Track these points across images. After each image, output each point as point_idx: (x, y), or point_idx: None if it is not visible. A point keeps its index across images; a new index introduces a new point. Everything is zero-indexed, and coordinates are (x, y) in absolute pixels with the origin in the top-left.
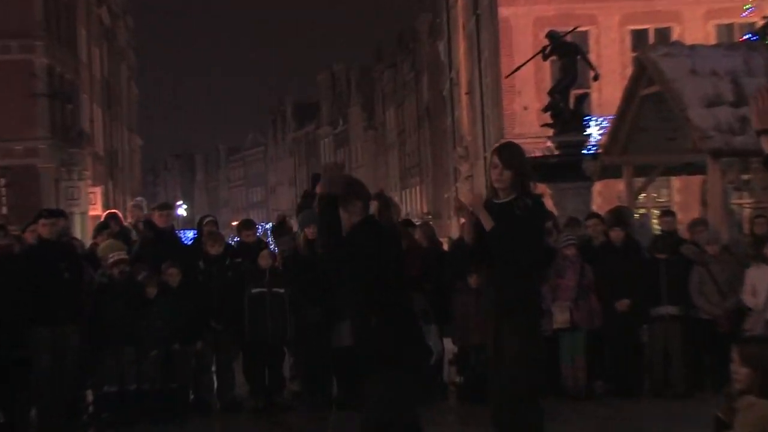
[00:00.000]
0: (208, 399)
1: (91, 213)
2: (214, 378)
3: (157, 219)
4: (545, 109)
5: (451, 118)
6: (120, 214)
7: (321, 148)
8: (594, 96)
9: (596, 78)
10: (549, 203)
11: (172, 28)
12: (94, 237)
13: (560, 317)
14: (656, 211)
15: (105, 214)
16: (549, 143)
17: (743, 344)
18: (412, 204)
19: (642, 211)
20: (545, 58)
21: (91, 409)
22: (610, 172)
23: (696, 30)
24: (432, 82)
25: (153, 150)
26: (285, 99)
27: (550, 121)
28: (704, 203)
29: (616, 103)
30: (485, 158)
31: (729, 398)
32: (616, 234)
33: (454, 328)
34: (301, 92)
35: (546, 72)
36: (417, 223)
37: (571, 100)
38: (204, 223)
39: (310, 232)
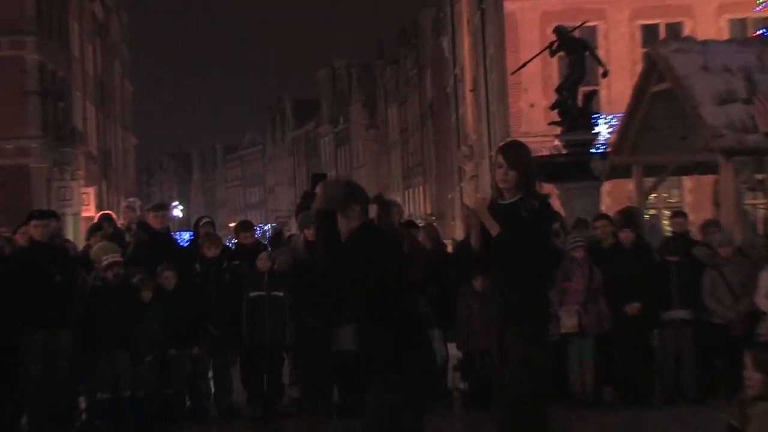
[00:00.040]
0: (205, 406)
1: (84, 214)
2: (211, 384)
3: (152, 220)
4: (552, 107)
5: (455, 116)
6: (114, 215)
7: (321, 147)
8: (603, 93)
9: (605, 74)
10: (556, 204)
11: (167, 23)
12: (87, 239)
13: (568, 322)
14: (667, 212)
15: (98, 215)
16: (556, 142)
17: (757, 349)
18: (415, 205)
19: (652, 211)
20: (552, 54)
21: (84, 416)
22: (620, 171)
23: (708, 25)
24: (435, 78)
25: (148, 149)
26: (284, 96)
27: (557, 119)
28: (717, 204)
29: (625, 100)
30: (490, 157)
31: (742, 405)
32: (626, 235)
33: (459, 332)
34: (300, 90)
35: (553, 68)
36: (420, 225)
37: (580, 98)
38: (200, 224)
39: (310, 233)
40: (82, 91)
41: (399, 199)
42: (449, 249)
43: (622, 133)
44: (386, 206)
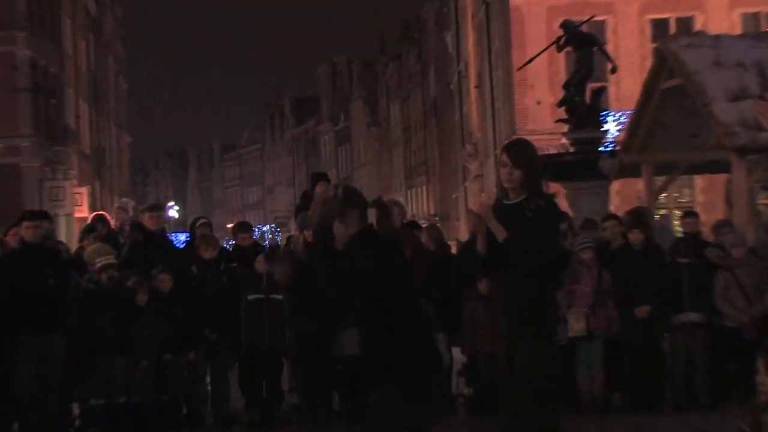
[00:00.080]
0: (202, 412)
1: (77, 215)
2: (208, 390)
3: (147, 221)
4: (560, 104)
5: (459, 113)
6: (108, 216)
7: (321, 146)
8: (611, 90)
9: (614, 70)
10: (564, 204)
11: (162, 18)
12: (81, 240)
13: (576, 325)
14: (678, 212)
15: (92, 216)
16: (564, 140)
17: None
18: (418, 205)
19: (663, 212)
20: (560, 49)
21: (77, 423)
22: (629, 170)
23: (720, 19)
24: (439, 75)
25: (143, 148)
26: (283, 94)
27: (564, 116)
28: (729, 203)
29: (634, 97)
30: (495, 156)
31: (755, 411)
32: (636, 236)
33: (463, 336)
34: (300, 87)
35: (560, 64)
36: (423, 225)
37: (588, 94)
38: (197, 225)
39: (310, 235)
40: (74, 88)
41: (401, 199)
42: (453, 250)
43: (632, 130)
44: (385, 210)
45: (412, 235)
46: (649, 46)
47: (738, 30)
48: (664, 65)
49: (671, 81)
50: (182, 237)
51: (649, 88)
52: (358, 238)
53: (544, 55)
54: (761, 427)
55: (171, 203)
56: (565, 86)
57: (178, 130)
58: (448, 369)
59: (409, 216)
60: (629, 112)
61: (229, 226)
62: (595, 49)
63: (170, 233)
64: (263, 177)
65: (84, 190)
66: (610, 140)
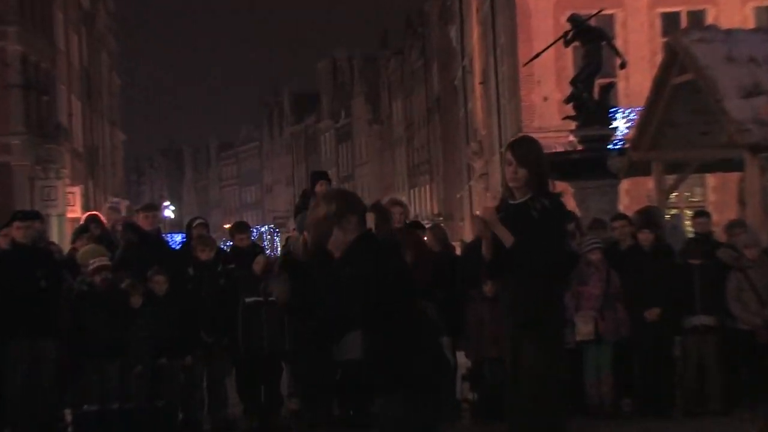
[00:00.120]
0: (199, 418)
1: (70, 215)
2: (205, 395)
3: (142, 221)
4: (567, 100)
5: (463, 110)
6: (101, 216)
7: (321, 144)
8: (620, 85)
9: (623, 66)
10: (571, 203)
11: (157, 12)
12: (73, 241)
13: (584, 328)
14: (689, 212)
15: (85, 216)
16: (571, 137)
17: None
18: (421, 204)
19: (674, 211)
20: (567, 44)
21: (69, 429)
22: (639, 169)
23: (732, 13)
24: (443, 70)
25: (137, 146)
26: (282, 90)
27: (572, 113)
28: (742, 203)
29: (644, 93)
30: (501, 154)
31: None
32: (646, 237)
33: (468, 340)
34: (299, 83)
35: (568, 59)
36: (427, 226)
37: (596, 90)
38: (193, 225)
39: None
40: (67, 84)
41: (404, 199)
42: (458, 251)
43: (641, 127)
44: (384, 214)
45: (415, 236)
46: (660, 41)
47: (751, 24)
48: (674, 60)
49: (682, 77)
50: (178, 238)
51: (659, 84)
52: (357, 244)
53: (551, 50)
54: None
55: (166, 203)
56: (573, 82)
57: (173, 127)
58: (453, 373)
59: (412, 216)
60: (639, 108)
61: (227, 226)
62: (603, 43)
63: (166, 234)
64: (261, 176)
65: (77, 190)
66: (619, 138)
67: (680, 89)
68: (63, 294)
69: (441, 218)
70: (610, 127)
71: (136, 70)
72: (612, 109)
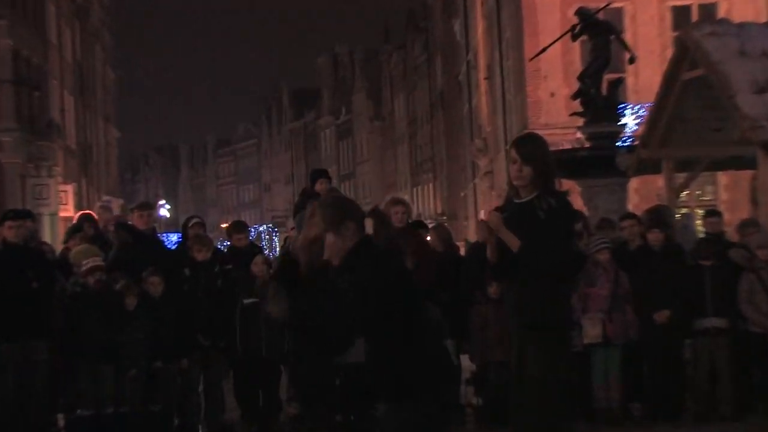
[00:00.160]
0: (195, 423)
1: (62, 214)
2: (202, 400)
3: (137, 220)
4: (574, 96)
5: (467, 106)
6: (95, 216)
7: (321, 141)
8: (630, 81)
9: (632, 61)
10: (579, 202)
11: (152, 6)
12: (66, 241)
13: (592, 331)
14: (700, 211)
15: (78, 215)
16: (579, 134)
17: None
18: (424, 203)
19: (684, 210)
20: (574, 38)
21: None
22: (648, 166)
23: (745, 6)
24: (446, 65)
25: (132, 143)
26: (281, 86)
27: (580, 109)
28: (754, 201)
29: (654, 88)
30: (506, 151)
31: None
32: (655, 237)
33: (472, 343)
34: (299, 78)
35: (575, 54)
36: (430, 225)
37: (604, 86)
38: (190, 225)
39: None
40: (59, 79)
41: (406, 198)
42: (462, 251)
43: (651, 124)
44: (382, 219)
45: (417, 236)
46: (670, 35)
47: (764, 17)
48: (685, 55)
49: (693, 72)
50: (174, 237)
51: (669, 79)
52: (356, 252)
53: (559, 44)
54: None
55: (162, 202)
56: (581, 77)
57: (169, 124)
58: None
59: (414, 215)
60: (648, 104)
61: (224, 225)
62: (612, 37)
63: (161, 233)
64: (260, 174)
65: (69, 188)
66: (628, 135)
67: (691, 85)
68: (55, 295)
69: (444, 218)
70: (619, 123)
71: (127, 64)
72: (621, 105)
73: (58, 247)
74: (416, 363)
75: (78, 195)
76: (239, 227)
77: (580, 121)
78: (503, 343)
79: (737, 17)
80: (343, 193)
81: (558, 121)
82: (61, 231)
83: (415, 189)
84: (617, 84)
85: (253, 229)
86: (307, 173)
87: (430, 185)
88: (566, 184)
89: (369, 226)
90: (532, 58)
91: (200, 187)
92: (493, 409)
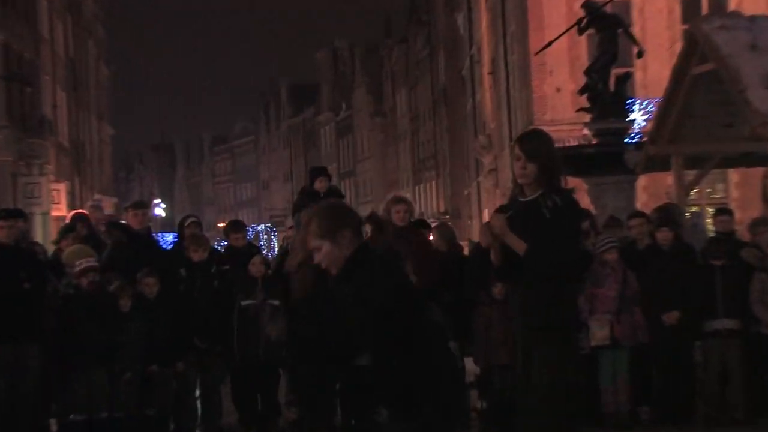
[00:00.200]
0: (191, 428)
1: (55, 213)
2: (198, 404)
3: (132, 220)
4: (581, 91)
5: (471, 102)
6: (88, 215)
7: (321, 138)
8: (638, 76)
9: (640, 55)
10: (586, 200)
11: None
12: (59, 241)
13: (599, 333)
14: (711, 209)
15: (71, 214)
16: (585, 131)
17: None
18: (426, 202)
19: (694, 209)
20: (581, 32)
21: None
22: (657, 163)
23: None
24: (449, 60)
25: (126, 141)
26: (279, 81)
27: (586, 104)
28: (766, 200)
29: (663, 83)
30: (511, 148)
31: None
32: (664, 236)
33: (476, 345)
34: (297, 73)
35: (582, 48)
36: (433, 224)
37: (612, 81)
38: (186, 224)
39: None
40: (51, 75)
41: (409, 196)
42: (465, 251)
43: (660, 120)
44: (380, 225)
45: (420, 235)
46: (679, 28)
47: None
48: (695, 49)
49: (703, 66)
50: (169, 237)
51: (678, 74)
52: (354, 259)
53: (565, 38)
54: None
55: (157, 200)
56: (587, 72)
57: (164, 121)
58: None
59: (417, 214)
60: (657, 100)
61: (221, 225)
62: (619, 31)
63: (156, 233)
64: (257, 172)
65: (62, 187)
66: (637, 131)
67: (701, 79)
68: (48, 297)
69: (448, 216)
70: (627, 119)
71: (121, 59)
72: (629, 101)
73: (50, 248)
74: (420, 370)
75: (71, 194)
76: (236, 226)
77: (587, 117)
78: (508, 345)
79: (748, 10)
80: (341, 189)
81: (564, 117)
82: (54, 231)
83: (417, 187)
84: (625, 79)
85: (250, 229)
86: (306, 171)
87: (433, 183)
88: (573, 181)
89: (366, 232)
90: (537, 53)
91: (196, 186)
92: (498, 413)
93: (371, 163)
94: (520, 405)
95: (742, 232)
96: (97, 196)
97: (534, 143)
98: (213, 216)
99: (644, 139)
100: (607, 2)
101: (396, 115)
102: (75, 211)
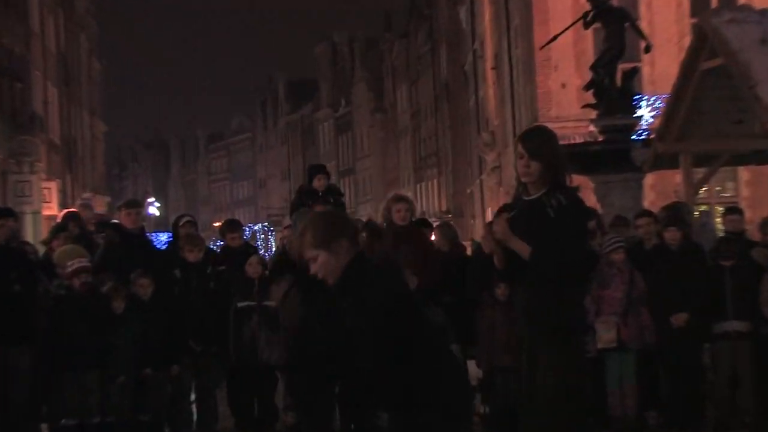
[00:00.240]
0: None
1: (46, 212)
2: (194, 408)
3: (125, 219)
4: (587, 87)
5: (474, 97)
6: (81, 214)
7: (319, 135)
8: (645, 71)
9: (648, 49)
10: (592, 199)
11: None
12: (50, 241)
13: (605, 335)
14: (720, 208)
15: (62, 213)
16: (591, 127)
17: None
18: (428, 200)
19: (703, 207)
20: (587, 25)
21: None
22: (665, 161)
23: None
24: (451, 54)
25: (119, 137)
26: (276, 76)
27: (592, 100)
28: None
29: (671, 79)
30: (514, 145)
31: None
32: (672, 235)
33: (479, 348)
34: (295, 69)
35: (588, 42)
36: (435, 224)
37: (618, 76)
38: (180, 224)
39: None
40: (42, 70)
41: (410, 194)
42: (468, 251)
43: (668, 116)
44: (377, 232)
45: (421, 235)
46: (688, 22)
47: None
48: (704, 43)
49: (712, 61)
50: (164, 237)
51: (687, 69)
52: (350, 270)
53: (570, 32)
54: None
55: (151, 199)
56: (593, 67)
57: (158, 117)
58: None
59: (418, 213)
60: (665, 96)
61: (217, 224)
62: (626, 25)
63: (150, 233)
64: (254, 170)
65: (53, 185)
66: (644, 128)
67: (710, 75)
68: (39, 298)
69: (450, 215)
70: (634, 116)
71: (114, 54)
72: (636, 97)
73: (41, 248)
74: (420, 374)
75: (62, 192)
76: (233, 226)
77: (593, 114)
78: (511, 347)
79: (759, 3)
80: (340, 187)
81: (569, 114)
82: (45, 230)
83: (418, 185)
84: (632, 74)
85: (247, 228)
86: (304, 169)
87: (435, 181)
88: (578, 179)
89: (363, 240)
90: (542, 47)
91: (191, 184)
92: (502, 417)
93: (371, 160)
94: (525, 409)
95: (753, 232)
96: (86, 194)
97: (537, 140)
98: (209, 215)
99: (652, 136)
100: None
101: (397, 111)
102: (66, 210)
